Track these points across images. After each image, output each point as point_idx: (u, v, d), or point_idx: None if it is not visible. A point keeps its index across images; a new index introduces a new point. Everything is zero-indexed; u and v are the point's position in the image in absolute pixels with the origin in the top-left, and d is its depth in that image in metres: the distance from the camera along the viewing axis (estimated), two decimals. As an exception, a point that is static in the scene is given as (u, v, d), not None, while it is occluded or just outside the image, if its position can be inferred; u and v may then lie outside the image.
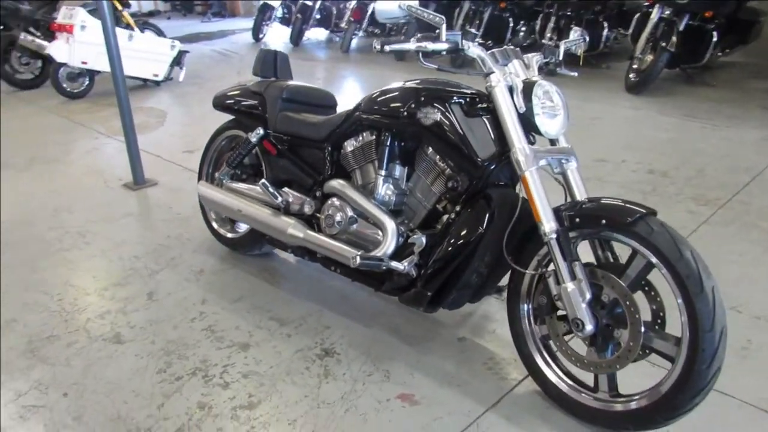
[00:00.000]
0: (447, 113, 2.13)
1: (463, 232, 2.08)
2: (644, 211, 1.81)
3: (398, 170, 2.37)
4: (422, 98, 2.18)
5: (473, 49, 2.03)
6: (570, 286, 1.86)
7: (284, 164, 2.73)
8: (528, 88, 2.00)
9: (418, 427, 2.00)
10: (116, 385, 2.24)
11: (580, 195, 2.07)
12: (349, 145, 2.51)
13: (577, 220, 1.88)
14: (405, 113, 2.21)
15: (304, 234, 2.47)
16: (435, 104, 2.15)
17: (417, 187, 2.32)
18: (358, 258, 2.16)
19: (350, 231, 2.41)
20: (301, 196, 2.62)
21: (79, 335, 2.54)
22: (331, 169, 2.57)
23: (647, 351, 1.85)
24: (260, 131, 2.73)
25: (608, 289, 1.87)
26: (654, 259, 1.75)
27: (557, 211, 1.94)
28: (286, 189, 2.67)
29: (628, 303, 1.81)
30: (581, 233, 1.92)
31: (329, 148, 2.56)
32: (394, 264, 2.17)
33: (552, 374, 2.05)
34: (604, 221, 1.83)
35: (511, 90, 2.04)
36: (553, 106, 2.03)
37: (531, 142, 2.03)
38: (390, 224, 2.25)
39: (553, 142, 2.13)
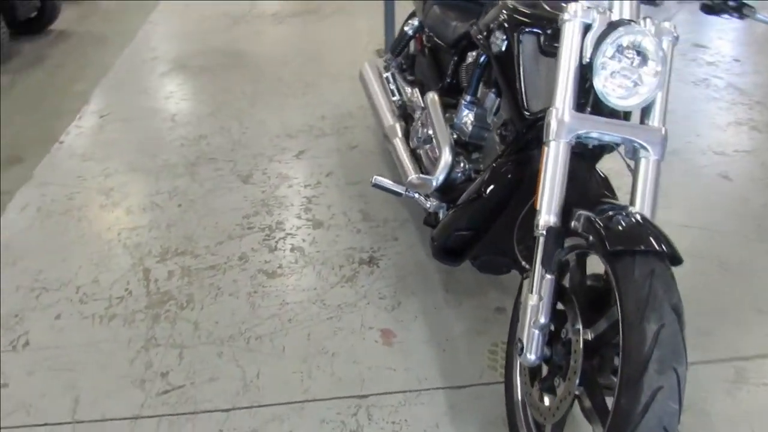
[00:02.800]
0: (514, 44, 1.69)
1: (480, 191, 1.75)
2: (656, 248, 1.24)
3: (489, 100, 2.01)
4: (501, 19, 1.76)
5: None
6: (531, 299, 1.44)
7: (420, 62, 2.55)
8: (605, 31, 1.44)
9: (366, 366, 1.90)
10: (213, 212, 2.64)
11: (641, 199, 1.48)
12: (467, 59, 2.21)
13: (582, 224, 1.39)
14: (484, 34, 1.83)
15: (392, 138, 2.36)
16: (506, 30, 1.72)
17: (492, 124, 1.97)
18: (375, 178, 2.01)
19: (425, 149, 2.22)
20: (414, 101, 2.46)
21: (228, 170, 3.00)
22: (451, 80, 2.32)
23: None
24: (415, 22, 2.57)
25: (570, 326, 1.39)
26: (618, 310, 1.23)
27: (570, 206, 1.45)
28: (410, 89, 2.53)
29: (575, 351, 1.34)
30: (576, 245, 1.42)
31: (455, 57, 2.29)
32: (418, 197, 1.96)
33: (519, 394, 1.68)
34: (592, 238, 1.32)
35: (587, 30, 1.49)
36: (630, 68, 1.43)
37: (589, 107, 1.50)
38: (445, 156, 2.00)
39: (627, 115, 1.53)
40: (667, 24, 1.52)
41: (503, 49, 1.73)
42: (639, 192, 1.48)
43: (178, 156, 3.08)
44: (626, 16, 1.49)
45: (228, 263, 2.34)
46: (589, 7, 1.49)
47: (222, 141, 3.23)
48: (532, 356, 1.43)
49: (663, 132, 1.48)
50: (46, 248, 2.44)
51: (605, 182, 1.69)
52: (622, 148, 1.56)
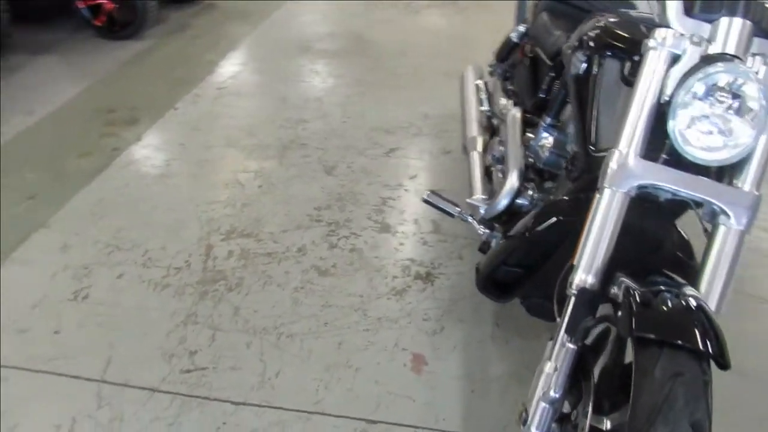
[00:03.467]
0: (594, 67, 1.48)
1: (530, 226, 1.56)
2: (696, 346, 1.02)
3: (571, 126, 1.80)
4: (586, 37, 1.54)
5: None
6: (547, 366, 1.26)
7: (519, 73, 2.35)
8: (696, 66, 1.20)
9: (386, 389, 1.80)
10: (288, 199, 2.65)
11: (709, 277, 1.23)
12: (563, 76, 2.00)
13: (620, 293, 1.19)
14: (569, 51, 1.63)
15: (470, 151, 2.21)
16: (589, 50, 1.51)
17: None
18: (429, 193, 1.87)
19: (497, 169, 2.04)
20: (503, 114, 2.27)
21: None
22: (543, 97, 2.11)
23: None
24: (522, 28, 2.37)
25: (581, 408, 1.19)
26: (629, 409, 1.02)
27: (619, 267, 1.25)
28: (504, 101, 2.34)
29: None
30: (607, 316, 1.21)
31: (551, 73, 2.08)
32: (471, 220, 1.81)
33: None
34: (621, 312, 1.11)
35: (675, 62, 1.26)
36: (721, 115, 1.18)
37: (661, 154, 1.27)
38: (511, 181, 1.82)
39: (709, 171, 1.27)
40: (787, 68, 1.24)
41: (581, 71, 1.52)
42: (709, 267, 1.23)
43: (274, 138, 3.13)
44: (731, 50, 1.22)
45: (285, 253, 2.33)
46: (682, 35, 1.26)
47: (319, 127, 3.23)
48: (534, 430, 1.25)
49: (754, 197, 1.22)
50: (132, 208, 2.58)
51: (684, 246, 1.44)
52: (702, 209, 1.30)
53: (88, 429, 1.67)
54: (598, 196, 1.26)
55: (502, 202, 1.82)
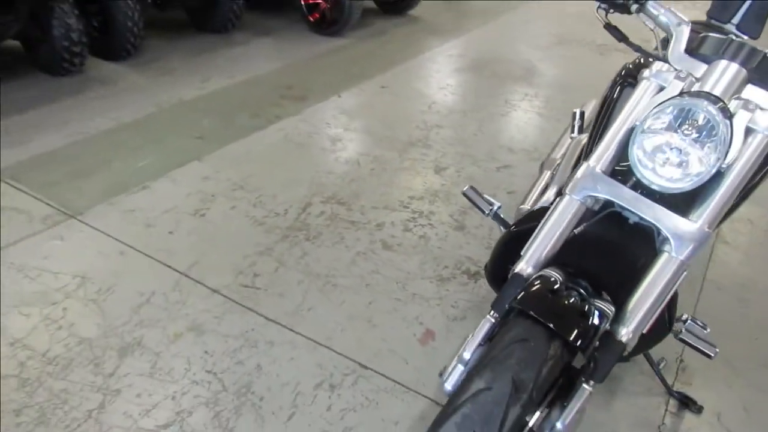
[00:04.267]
0: (614, 96, 1.58)
1: (524, 223, 1.69)
2: (560, 330, 1.15)
3: None
4: (622, 71, 1.64)
5: (656, 11, 1.40)
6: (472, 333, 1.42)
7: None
8: (667, 100, 1.29)
9: (389, 348, 2.03)
10: (390, 184, 2.97)
11: (640, 297, 1.29)
12: None
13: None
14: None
15: (543, 169, 2.32)
16: (616, 83, 1.61)
17: None
18: (468, 188, 2.03)
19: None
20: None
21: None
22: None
23: None
24: None
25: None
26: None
27: (552, 264, 1.37)
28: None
29: None
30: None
31: None
32: (498, 225, 1.97)
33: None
34: (521, 292, 1.25)
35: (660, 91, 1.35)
36: (679, 148, 1.24)
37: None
38: (548, 194, 1.94)
39: (671, 202, 1.31)
40: (768, 117, 1.25)
41: (608, 98, 1.63)
42: (640, 290, 1.29)
43: (405, 134, 3.48)
44: (718, 91, 1.28)
45: (365, 225, 2.65)
46: (675, 70, 1.34)
47: (449, 135, 3.50)
48: (447, 386, 1.41)
49: (702, 233, 1.26)
50: (267, 162, 3.11)
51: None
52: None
53: (159, 302, 2.15)
54: (558, 199, 1.39)
55: (526, 207, 1.95)
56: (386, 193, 2.89)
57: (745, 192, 1.51)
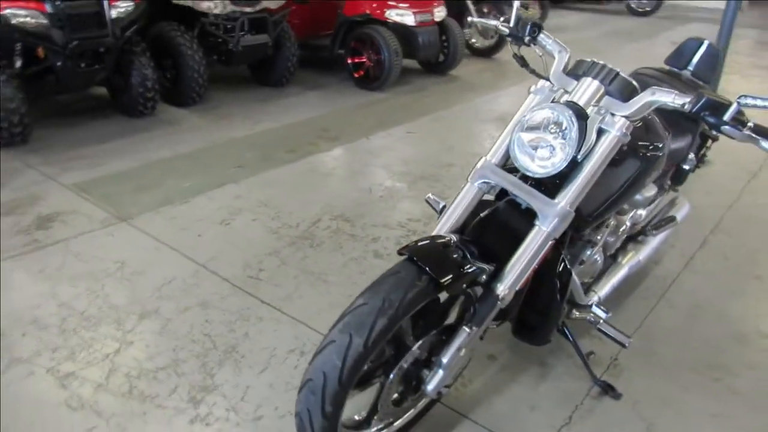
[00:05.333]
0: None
1: None
2: (427, 269, 1.50)
3: None
4: None
5: (545, 41, 1.78)
6: None
7: None
8: (540, 106, 1.66)
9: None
10: (394, 209, 3.37)
11: (515, 262, 1.62)
12: None
13: None
14: None
15: None
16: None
17: None
18: (428, 196, 2.39)
19: None
20: None
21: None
22: None
23: None
24: None
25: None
26: None
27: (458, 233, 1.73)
28: None
29: None
30: None
31: None
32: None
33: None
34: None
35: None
36: (543, 138, 1.59)
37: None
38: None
39: (546, 188, 1.65)
40: (621, 121, 1.59)
41: None
42: (515, 256, 1.63)
43: (419, 170, 3.90)
44: (582, 101, 1.63)
45: (363, 238, 3.05)
46: (553, 87, 1.71)
47: (459, 172, 3.88)
48: None
49: (561, 210, 1.59)
50: (293, 187, 3.60)
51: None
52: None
53: (178, 284, 2.62)
54: (462, 188, 1.76)
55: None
56: (388, 216, 3.29)
57: (624, 191, 1.80)
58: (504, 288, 1.61)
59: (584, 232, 1.94)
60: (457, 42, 6.12)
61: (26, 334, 2.29)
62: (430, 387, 1.63)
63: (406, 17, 5.56)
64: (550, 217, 1.60)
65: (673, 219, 2.64)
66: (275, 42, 5.32)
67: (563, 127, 1.56)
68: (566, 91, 1.69)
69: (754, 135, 1.48)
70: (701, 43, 2.64)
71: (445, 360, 1.62)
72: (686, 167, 2.63)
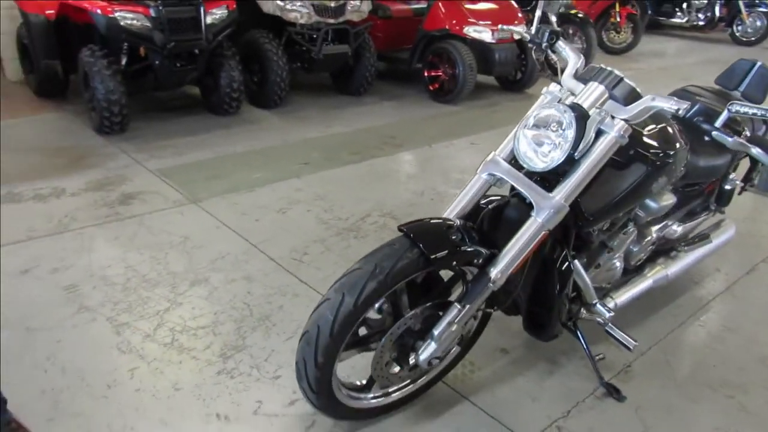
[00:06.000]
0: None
1: None
2: (421, 246, 1.66)
3: None
4: None
5: (561, 48, 1.90)
6: None
7: None
8: (544, 106, 1.78)
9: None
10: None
11: (508, 250, 1.75)
12: None
13: None
14: None
15: None
16: None
17: None
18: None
19: None
20: None
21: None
22: None
23: None
24: None
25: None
26: None
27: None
28: None
29: None
30: None
31: None
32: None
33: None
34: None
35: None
36: (546, 135, 1.71)
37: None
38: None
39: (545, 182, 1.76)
40: (620, 124, 1.68)
41: None
42: (510, 243, 1.75)
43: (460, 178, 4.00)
44: (586, 104, 1.74)
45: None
46: (562, 90, 1.83)
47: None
48: None
49: (556, 204, 1.71)
50: (350, 185, 3.82)
51: None
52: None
53: (230, 259, 2.90)
54: (473, 178, 1.89)
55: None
56: (435, 215, 3.43)
57: (628, 194, 1.87)
58: (497, 272, 1.73)
59: (593, 233, 2.01)
60: (534, 61, 6.17)
61: (96, 288, 2.63)
62: (422, 357, 1.77)
63: (484, 34, 5.70)
64: (545, 209, 1.71)
65: (706, 237, 2.62)
66: (355, 53, 5.62)
67: (563, 126, 1.68)
68: (573, 94, 1.80)
69: (744, 143, 1.53)
70: (753, 64, 2.63)
71: (436, 332, 1.75)
72: (728, 187, 2.62)
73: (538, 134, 1.73)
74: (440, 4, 5.82)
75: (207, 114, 5.16)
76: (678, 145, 1.93)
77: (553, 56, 1.97)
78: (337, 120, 5.21)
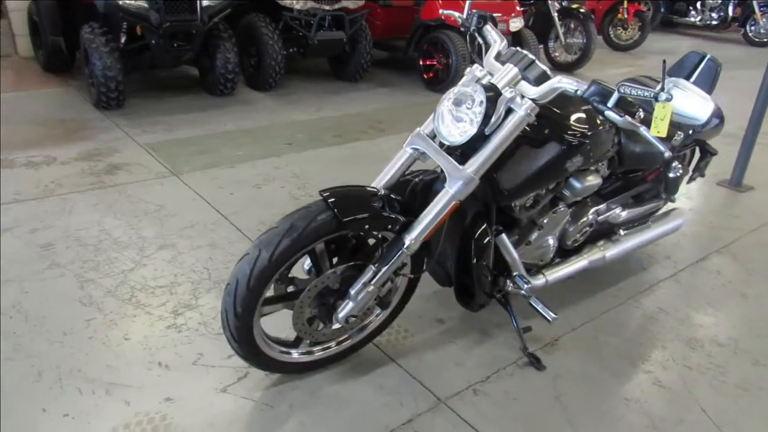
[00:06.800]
0: None
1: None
2: (332, 209, 1.80)
3: None
4: None
5: (488, 32, 2.01)
6: None
7: None
8: (460, 85, 1.91)
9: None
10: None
11: (423, 215, 1.88)
12: None
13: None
14: None
15: None
16: None
17: None
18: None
19: None
20: None
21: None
22: None
23: None
24: None
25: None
26: None
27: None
28: None
29: None
30: None
31: None
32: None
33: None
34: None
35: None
36: (459, 111, 1.84)
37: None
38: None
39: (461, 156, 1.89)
40: (527, 102, 1.80)
41: None
42: (423, 213, 1.87)
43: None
44: (500, 84, 1.86)
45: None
46: (480, 69, 1.95)
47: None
48: None
49: (466, 176, 1.83)
50: (328, 165, 3.97)
51: None
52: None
53: (200, 228, 3.06)
54: (400, 152, 2.03)
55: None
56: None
57: (542, 171, 1.98)
58: (410, 238, 1.86)
59: (516, 209, 2.12)
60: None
61: (69, 248, 2.81)
62: (340, 314, 1.91)
63: (478, 25, 5.78)
64: (456, 180, 1.83)
65: (645, 223, 2.72)
66: (351, 39, 5.75)
67: (475, 103, 1.80)
68: (491, 74, 1.92)
69: (633, 122, 1.64)
70: (703, 57, 2.72)
71: (352, 291, 1.89)
72: (671, 175, 2.71)
73: (453, 110, 1.85)
74: (437, -6, 5.92)
75: (203, 94, 5.34)
76: (598, 128, 2.04)
77: (480, 39, 2.08)
78: (329, 104, 5.36)
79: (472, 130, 1.80)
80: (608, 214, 2.60)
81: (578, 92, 1.70)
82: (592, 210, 2.48)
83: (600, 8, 8.94)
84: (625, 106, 1.66)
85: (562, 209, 2.31)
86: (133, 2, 4.45)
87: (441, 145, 1.94)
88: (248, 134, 4.48)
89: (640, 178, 2.67)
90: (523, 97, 1.81)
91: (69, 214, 3.13)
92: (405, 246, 1.87)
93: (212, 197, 3.40)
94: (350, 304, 1.91)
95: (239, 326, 1.82)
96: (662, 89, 1.57)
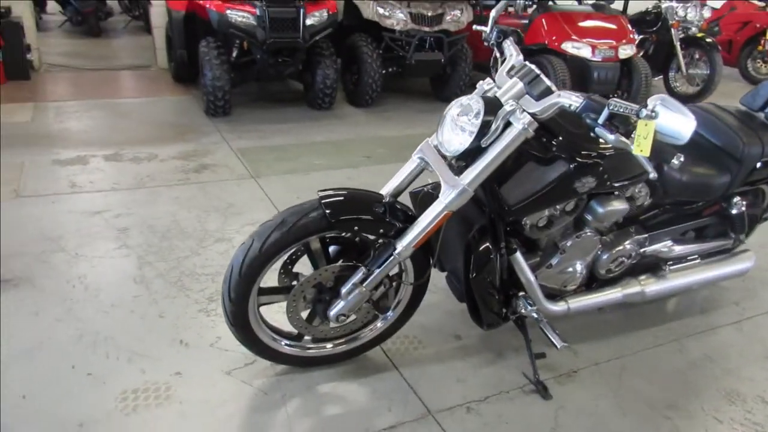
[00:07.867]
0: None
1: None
2: (324, 212, 1.89)
3: None
4: None
5: (506, 47, 2.01)
6: None
7: None
8: (466, 97, 1.93)
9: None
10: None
11: (417, 224, 1.92)
12: None
13: None
14: None
15: None
16: None
17: None
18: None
19: None
20: None
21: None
22: None
23: None
24: None
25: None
26: None
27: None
28: None
29: None
30: None
31: None
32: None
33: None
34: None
35: (486, 95, 1.97)
36: (460, 122, 1.86)
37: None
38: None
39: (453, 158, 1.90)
40: (525, 117, 1.78)
41: None
42: (417, 220, 1.91)
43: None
44: (504, 98, 1.86)
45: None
46: (489, 83, 1.96)
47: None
48: None
49: (462, 188, 1.85)
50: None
51: None
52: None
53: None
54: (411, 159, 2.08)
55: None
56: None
57: (548, 191, 1.92)
58: (401, 244, 1.90)
59: (526, 227, 2.07)
60: (640, 83, 5.93)
61: (141, 233, 3.14)
62: (332, 312, 1.98)
63: (583, 50, 5.62)
64: (449, 190, 1.84)
65: (697, 261, 2.51)
66: (451, 60, 5.83)
67: (475, 114, 1.81)
68: (499, 88, 1.90)
69: (626, 141, 1.56)
70: (781, 86, 2.49)
71: (343, 290, 1.95)
72: (734, 212, 2.49)
73: (457, 120, 1.87)
74: (543, 19, 5.84)
75: (304, 107, 5.67)
76: (614, 149, 1.94)
77: (497, 53, 2.07)
78: (420, 122, 5.46)
79: (468, 140, 1.80)
80: (654, 247, 2.43)
81: (571, 107, 1.65)
82: (630, 240, 2.34)
83: (738, 39, 8.27)
84: (621, 123, 1.58)
85: (588, 234, 2.21)
86: (243, 19, 4.86)
87: (444, 155, 1.95)
88: (333, 145, 4.69)
89: (694, 212, 2.47)
90: (524, 111, 1.79)
91: (152, 204, 3.48)
92: (396, 251, 1.90)
93: (279, 200, 3.61)
94: (341, 303, 1.97)
95: (234, 311, 1.94)
96: (644, 105, 1.49)
